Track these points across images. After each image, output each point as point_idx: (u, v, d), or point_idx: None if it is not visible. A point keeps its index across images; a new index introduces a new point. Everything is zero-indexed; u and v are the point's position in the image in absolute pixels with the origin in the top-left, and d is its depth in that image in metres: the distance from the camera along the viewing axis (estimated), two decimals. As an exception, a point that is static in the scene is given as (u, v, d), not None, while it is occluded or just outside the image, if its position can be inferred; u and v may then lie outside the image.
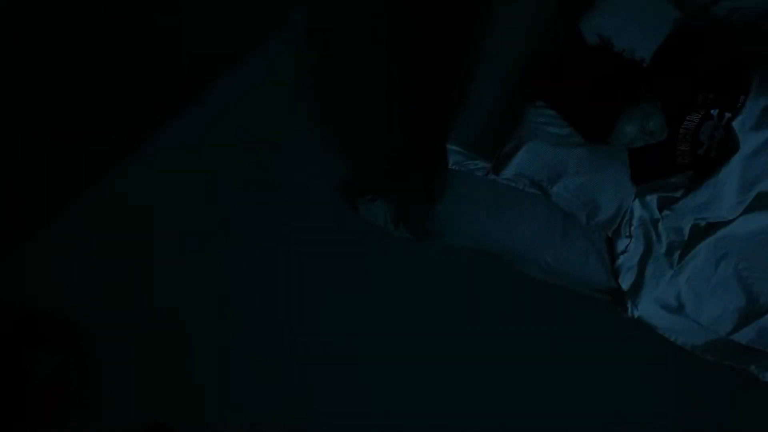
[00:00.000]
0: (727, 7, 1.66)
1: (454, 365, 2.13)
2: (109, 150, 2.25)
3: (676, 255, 1.60)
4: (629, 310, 1.63)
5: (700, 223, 1.62)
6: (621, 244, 1.61)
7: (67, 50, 2.00)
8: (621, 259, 1.61)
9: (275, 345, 2.16)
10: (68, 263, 2.23)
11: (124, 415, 2.13)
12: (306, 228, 2.21)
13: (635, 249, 1.61)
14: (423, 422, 2.11)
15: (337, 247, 2.20)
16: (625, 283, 1.62)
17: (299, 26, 2.33)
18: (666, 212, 1.59)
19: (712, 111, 1.57)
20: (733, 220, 1.58)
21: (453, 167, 1.64)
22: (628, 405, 2.06)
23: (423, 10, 2.28)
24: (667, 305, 1.64)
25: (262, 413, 2.14)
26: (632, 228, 1.61)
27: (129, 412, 2.14)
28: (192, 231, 2.24)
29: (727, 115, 1.55)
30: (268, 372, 2.16)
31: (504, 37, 1.70)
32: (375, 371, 2.14)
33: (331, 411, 2.13)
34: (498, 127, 1.63)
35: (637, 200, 1.61)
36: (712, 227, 1.60)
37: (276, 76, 2.30)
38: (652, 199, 1.60)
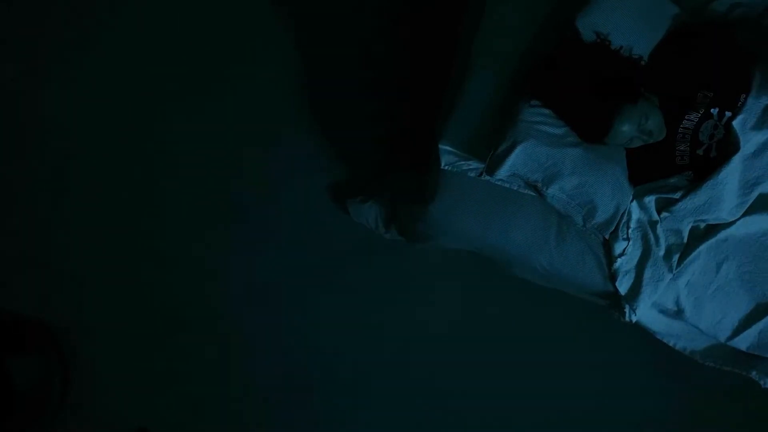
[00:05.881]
0: (727, 4, 1.63)
1: (448, 368, 2.10)
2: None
3: (675, 258, 1.58)
4: (627, 314, 1.60)
5: (699, 225, 1.59)
6: (618, 247, 1.58)
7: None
8: (618, 262, 1.58)
9: (262, 349, 2.14)
10: (53, 269, 2.20)
11: (108, 422, 2.12)
12: (296, 230, 2.19)
13: (633, 252, 1.59)
14: (418, 426, 2.08)
15: (327, 250, 2.17)
16: (623, 286, 1.59)
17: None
18: (665, 214, 1.57)
19: (712, 110, 1.55)
20: (734, 222, 1.56)
21: (445, 168, 1.62)
22: (627, 410, 2.05)
23: (416, 9, 2.25)
24: (665, 309, 1.62)
25: (252, 418, 2.11)
26: (630, 230, 1.58)
27: (113, 419, 2.12)
28: (179, 235, 2.20)
29: (728, 114, 1.54)
30: (257, 375, 2.13)
31: (498, 34, 1.67)
32: (369, 373, 2.12)
33: (325, 416, 2.11)
34: (492, 127, 1.60)
35: (635, 202, 1.59)
36: (712, 229, 1.58)
37: (264, 74, 2.26)
38: (651, 200, 1.58)
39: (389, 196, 2.01)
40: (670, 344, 1.65)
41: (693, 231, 1.59)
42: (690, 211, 1.54)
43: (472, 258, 1.82)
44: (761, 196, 1.53)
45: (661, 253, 1.58)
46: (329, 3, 2.29)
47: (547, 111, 1.56)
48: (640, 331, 1.66)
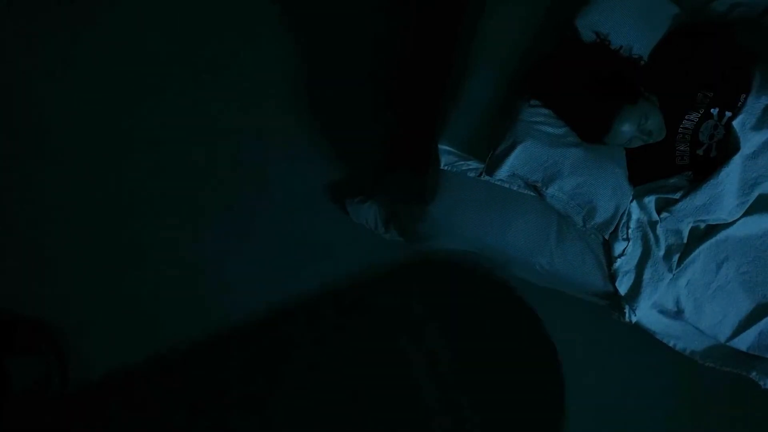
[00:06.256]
0: (727, 3, 1.63)
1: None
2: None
3: (675, 258, 1.57)
4: (627, 315, 1.59)
5: (699, 226, 1.59)
6: (618, 247, 1.58)
7: None
8: (618, 263, 1.58)
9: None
10: (49, 268, 2.19)
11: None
12: (294, 230, 2.17)
13: (633, 252, 1.58)
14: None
15: (325, 251, 2.16)
16: (623, 287, 1.59)
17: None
18: (665, 214, 1.56)
19: (712, 110, 1.54)
20: (734, 222, 1.55)
21: (445, 168, 1.61)
22: (626, 411, 2.04)
23: (415, 8, 2.25)
24: (665, 310, 1.61)
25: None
26: (630, 230, 1.58)
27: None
28: (175, 235, 2.20)
29: (728, 114, 1.53)
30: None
31: (497, 34, 1.67)
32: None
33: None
34: (491, 127, 1.60)
35: (634, 202, 1.58)
36: (712, 230, 1.57)
37: (262, 74, 2.26)
38: (651, 200, 1.57)
39: (389, 196, 2.00)
40: (670, 345, 1.64)
41: (693, 231, 1.58)
42: (690, 211, 1.53)
43: (471, 258, 1.82)
44: (761, 196, 1.52)
45: (661, 253, 1.57)
46: (329, 3, 2.29)
47: (546, 111, 1.56)
48: (639, 331, 1.65)
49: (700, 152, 1.56)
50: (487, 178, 1.57)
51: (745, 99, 1.52)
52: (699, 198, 1.52)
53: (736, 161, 1.50)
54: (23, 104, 2.28)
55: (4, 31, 2.31)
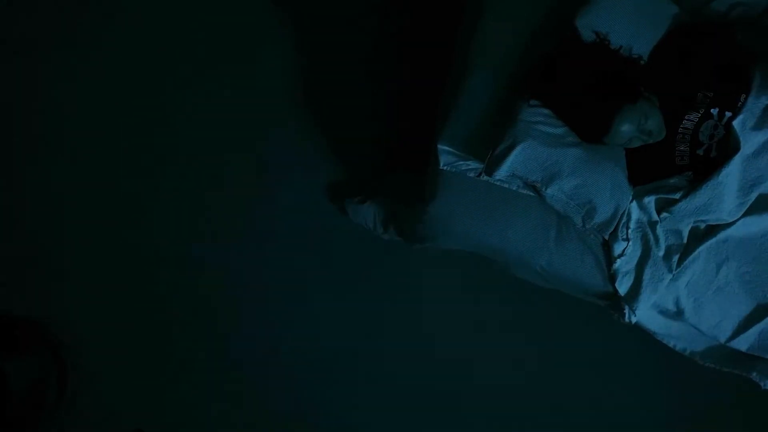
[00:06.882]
0: (727, 3, 1.62)
1: (447, 370, 2.10)
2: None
3: (675, 258, 1.56)
4: (627, 315, 1.59)
5: (699, 226, 1.58)
6: (618, 248, 1.57)
7: None
8: (618, 263, 1.58)
9: (260, 351, 2.13)
10: (46, 268, 2.18)
11: (104, 423, 2.10)
12: (294, 230, 2.17)
13: (633, 252, 1.58)
14: (418, 426, 2.08)
15: (324, 251, 2.16)
16: (623, 287, 1.58)
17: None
18: (664, 214, 1.56)
19: (712, 110, 1.54)
20: (734, 222, 1.55)
21: (444, 168, 1.60)
22: (626, 412, 2.05)
23: (415, 8, 2.25)
24: (665, 310, 1.60)
25: (245, 420, 2.10)
26: (629, 231, 1.57)
27: (109, 420, 2.11)
28: (175, 234, 2.19)
29: (728, 114, 1.53)
30: (252, 377, 2.12)
31: (497, 34, 1.66)
32: (369, 374, 2.11)
33: (322, 418, 2.09)
34: (491, 127, 1.59)
35: (634, 202, 1.58)
36: (712, 230, 1.57)
37: (262, 73, 2.25)
38: (650, 200, 1.57)
39: (388, 196, 2.00)
40: (670, 345, 1.64)
41: (693, 231, 1.58)
42: (690, 211, 1.53)
43: (471, 258, 1.81)
44: (761, 196, 1.52)
45: (661, 253, 1.57)
46: (329, 4, 2.28)
47: (546, 111, 1.55)
48: (639, 332, 1.65)
49: (700, 152, 1.55)
50: (486, 178, 1.57)
51: (745, 99, 1.51)
52: (699, 198, 1.51)
53: (736, 161, 1.50)
54: (23, 104, 2.27)
55: (4, 30, 2.30)
